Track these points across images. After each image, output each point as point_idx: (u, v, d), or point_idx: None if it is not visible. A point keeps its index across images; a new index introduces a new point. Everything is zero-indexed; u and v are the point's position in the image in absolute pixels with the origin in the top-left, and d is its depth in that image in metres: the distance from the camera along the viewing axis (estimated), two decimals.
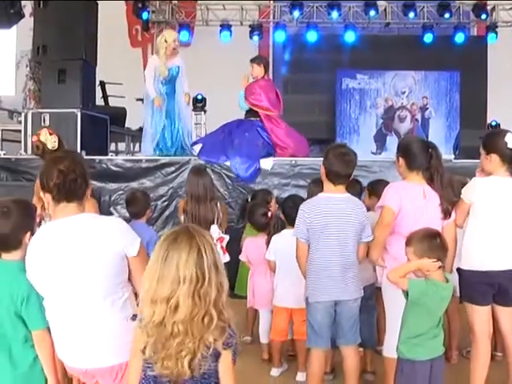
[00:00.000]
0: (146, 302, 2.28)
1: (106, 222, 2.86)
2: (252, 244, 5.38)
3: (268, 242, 5.11)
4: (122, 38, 15.11)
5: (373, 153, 13.87)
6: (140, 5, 13.50)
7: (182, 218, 5.57)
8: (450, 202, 4.14)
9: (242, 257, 5.48)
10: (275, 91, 8.45)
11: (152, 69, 8.40)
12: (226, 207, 5.89)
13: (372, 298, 4.72)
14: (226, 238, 5.38)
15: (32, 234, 2.99)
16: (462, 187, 4.37)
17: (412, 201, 4.06)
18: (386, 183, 4.61)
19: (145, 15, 13.84)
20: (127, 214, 5.73)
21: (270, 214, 5.36)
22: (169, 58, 8.42)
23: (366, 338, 4.64)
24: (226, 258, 5.26)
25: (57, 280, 2.74)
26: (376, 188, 5.03)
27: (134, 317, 2.44)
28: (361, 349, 5.12)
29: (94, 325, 2.72)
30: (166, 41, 8.33)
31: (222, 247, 5.25)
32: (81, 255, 2.69)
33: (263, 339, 5.30)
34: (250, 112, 8.27)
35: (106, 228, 2.77)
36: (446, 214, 4.11)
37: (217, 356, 2.30)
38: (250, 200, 6.50)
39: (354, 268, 4.14)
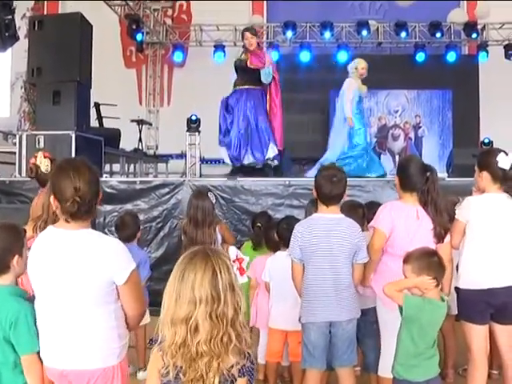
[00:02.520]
0: (166, 323, 2.29)
1: (103, 244, 2.82)
2: (258, 263, 5.37)
3: None
4: (116, 59, 15.20)
5: None
6: (134, 26, 13.56)
7: (183, 238, 5.58)
8: (444, 227, 4.16)
9: (250, 274, 5.46)
10: None
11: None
12: (226, 226, 5.89)
13: (377, 323, 4.64)
14: (246, 259, 5.36)
15: (21, 258, 3.01)
16: (455, 207, 4.41)
17: (405, 221, 4.09)
18: (379, 205, 4.66)
19: (139, 36, 13.91)
20: None
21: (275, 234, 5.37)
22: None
23: (370, 363, 4.64)
24: (244, 278, 5.24)
25: (48, 285, 2.78)
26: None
27: (151, 341, 2.42)
28: (357, 368, 5.15)
29: (76, 328, 2.75)
30: (356, 68, 9.63)
31: (240, 268, 5.24)
32: (71, 270, 2.72)
33: (260, 359, 5.29)
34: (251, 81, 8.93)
35: (100, 251, 2.76)
36: (439, 238, 4.14)
37: (232, 382, 2.31)
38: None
39: (349, 289, 4.13)
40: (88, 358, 2.77)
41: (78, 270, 2.72)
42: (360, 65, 9.67)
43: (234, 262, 5.08)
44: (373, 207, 4.98)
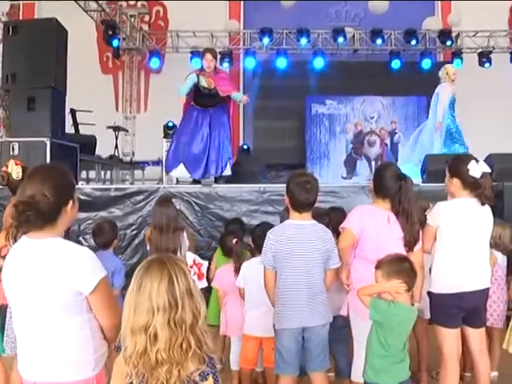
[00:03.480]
0: (127, 333, 2.29)
1: (68, 253, 2.72)
2: (223, 272, 5.39)
3: (236, 270, 5.14)
4: (92, 65, 15.12)
5: (343, 177, 14.02)
6: (110, 32, 13.46)
7: (148, 246, 5.58)
8: (414, 237, 4.21)
9: (213, 284, 5.47)
10: None
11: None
12: (192, 235, 5.89)
13: (346, 327, 4.63)
14: (205, 263, 5.37)
15: None
16: (425, 212, 4.46)
17: (375, 224, 4.14)
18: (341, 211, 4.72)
19: (115, 42, 13.82)
20: None
21: (235, 240, 5.37)
22: None
23: (342, 368, 4.66)
24: (203, 283, 5.25)
25: (19, 295, 2.74)
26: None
27: (117, 348, 2.43)
28: (331, 374, 5.17)
29: (46, 339, 2.70)
30: (447, 73, 10.20)
31: (198, 273, 5.24)
32: (37, 280, 2.66)
33: (233, 366, 5.29)
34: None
35: (64, 260, 2.68)
36: (410, 247, 4.19)
37: None
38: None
39: (322, 294, 4.15)
40: (60, 370, 2.71)
41: (43, 280, 2.66)
42: (450, 70, 10.35)
43: (191, 267, 5.08)
44: (335, 213, 5.06)
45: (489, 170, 4.30)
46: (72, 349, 2.70)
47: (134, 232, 7.86)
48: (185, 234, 5.53)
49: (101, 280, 2.70)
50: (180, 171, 8.57)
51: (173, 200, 5.68)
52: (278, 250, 4.11)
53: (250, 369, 5.01)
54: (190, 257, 5.25)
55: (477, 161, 4.30)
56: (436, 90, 10.28)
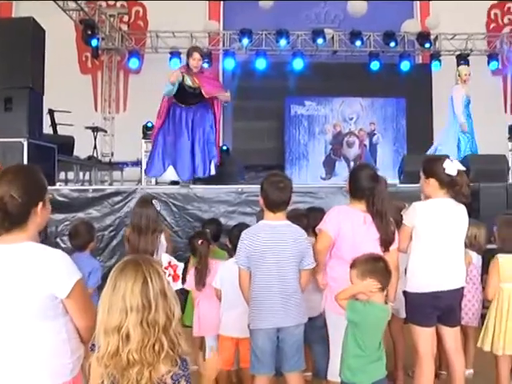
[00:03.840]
0: (100, 333, 2.29)
1: (42, 258, 2.67)
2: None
3: (198, 271, 5.18)
4: (71, 65, 14.99)
5: (322, 178, 14.06)
6: (89, 32, 13.39)
7: (126, 246, 5.56)
8: (389, 237, 4.24)
9: (186, 285, 5.46)
10: None
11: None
12: (171, 236, 5.87)
13: (325, 327, 4.60)
14: (180, 265, 5.35)
15: None
16: (400, 212, 4.50)
17: (352, 225, 4.16)
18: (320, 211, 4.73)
19: (94, 42, 13.73)
20: None
21: (200, 241, 5.37)
22: None
23: (321, 369, 4.67)
24: (178, 285, 5.24)
25: None
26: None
27: (93, 346, 2.41)
28: (308, 374, 5.20)
29: (22, 344, 2.64)
30: (459, 75, 10.44)
31: (173, 275, 5.22)
32: (10, 285, 2.61)
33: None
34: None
35: (38, 265, 2.63)
36: (386, 247, 4.21)
37: None
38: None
39: (296, 295, 4.16)
40: (37, 376, 2.66)
41: (17, 287, 2.61)
42: (462, 72, 10.58)
43: (166, 268, 5.06)
44: (313, 212, 5.08)
45: (463, 168, 4.35)
46: (48, 354, 2.66)
47: (112, 233, 7.82)
48: (163, 235, 5.53)
49: (76, 283, 2.67)
50: (169, 174, 8.55)
51: (153, 201, 5.63)
52: (252, 251, 4.12)
53: (227, 370, 4.99)
54: (166, 258, 5.23)
55: (450, 160, 4.35)
56: (450, 94, 10.51)
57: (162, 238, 5.50)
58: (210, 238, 5.56)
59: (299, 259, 4.16)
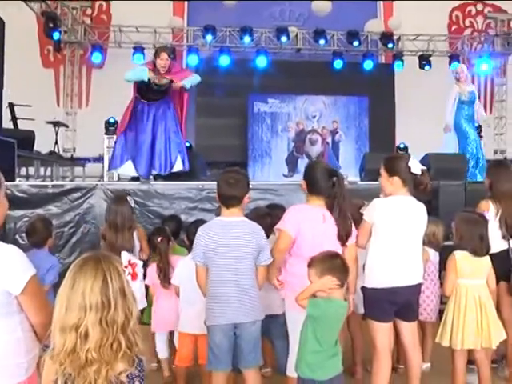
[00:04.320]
0: (57, 330, 2.26)
1: None
2: (152, 269, 5.36)
3: (160, 268, 5.18)
4: (33, 58, 14.78)
5: (285, 175, 14.13)
6: (51, 24, 13.15)
7: (101, 243, 5.51)
8: (347, 231, 4.24)
9: (146, 281, 5.44)
10: None
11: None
12: (144, 232, 5.80)
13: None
14: (139, 263, 5.32)
15: None
16: (359, 210, 4.54)
17: (311, 224, 4.15)
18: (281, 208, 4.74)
19: (56, 35, 13.50)
20: None
21: (159, 239, 5.36)
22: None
23: (282, 365, 4.68)
24: (136, 283, 5.20)
25: None
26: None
27: (45, 347, 2.39)
28: (267, 369, 5.22)
29: None
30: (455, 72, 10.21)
31: (131, 273, 5.18)
32: None
33: (162, 355, 5.32)
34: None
35: None
36: (343, 241, 4.22)
37: None
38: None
39: (252, 291, 4.15)
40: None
41: None
42: (456, 69, 10.42)
43: (125, 267, 5.03)
44: (274, 210, 5.10)
45: (425, 168, 4.41)
46: (2, 353, 2.62)
47: (72, 230, 7.65)
48: (135, 233, 5.49)
49: (30, 278, 2.63)
50: (126, 168, 8.49)
51: (128, 198, 5.58)
52: (207, 247, 4.10)
53: (185, 366, 4.99)
54: (125, 256, 5.21)
55: (413, 159, 4.41)
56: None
57: (135, 235, 5.47)
58: (170, 235, 5.55)
59: (255, 255, 4.14)
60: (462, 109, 9.95)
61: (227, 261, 4.08)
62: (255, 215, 4.86)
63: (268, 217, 5.06)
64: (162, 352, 5.33)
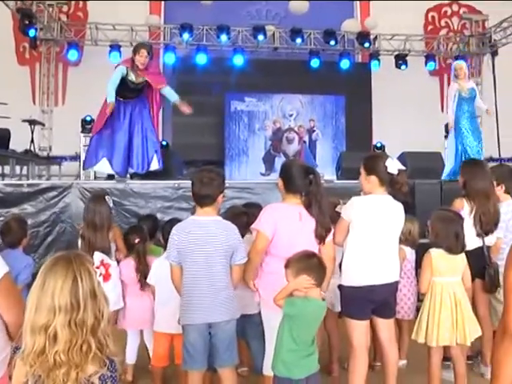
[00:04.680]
0: (27, 331, 2.23)
1: None
2: (123, 266, 5.35)
3: (137, 269, 5.17)
4: (8, 56, 14.60)
5: (262, 174, 14.16)
6: (27, 21, 12.96)
7: (79, 242, 5.48)
8: (326, 228, 4.22)
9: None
10: None
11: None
12: (120, 231, 5.74)
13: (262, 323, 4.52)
14: (113, 264, 5.30)
15: None
16: (335, 209, 4.56)
17: (287, 223, 4.14)
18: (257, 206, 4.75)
19: (31, 32, 13.30)
20: None
21: (136, 240, 5.35)
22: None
23: (258, 364, 4.68)
24: (109, 285, 5.17)
25: None
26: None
27: (16, 349, 2.36)
28: (244, 369, 5.22)
29: None
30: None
31: (104, 274, 5.15)
32: None
33: (129, 360, 5.28)
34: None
35: None
36: (321, 239, 4.20)
37: None
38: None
39: (227, 290, 4.14)
40: None
41: None
42: (455, 66, 10.10)
43: (97, 268, 5.00)
44: (251, 208, 5.10)
45: (403, 168, 4.44)
46: None
47: (48, 229, 7.61)
48: (110, 233, 5.45)
49: (3, 276, 2.60)
50: (102, 166, 8.43)
51: (106, 197, 5.54)
52: (181, 246, 4.09)
53: (162, 366, 4.97)
54: (98, 256, 5.18)
55: (391, 158, 4.44)
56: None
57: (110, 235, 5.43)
58: (147, 235, 5.54)
59: (229, 254, 4.13)
60: (461, 105, 9.85)
61: (201, 260, 4.07)
62: (231, 214, 4.86)
63: (244, 216, 5.04)
64: (131, 355, 5.31)
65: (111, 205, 5.47)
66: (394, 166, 4.37)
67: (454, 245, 4.59)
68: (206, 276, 4.07)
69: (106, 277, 5.13)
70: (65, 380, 2.20)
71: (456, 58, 15.05)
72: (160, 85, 8.41)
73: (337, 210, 4.68)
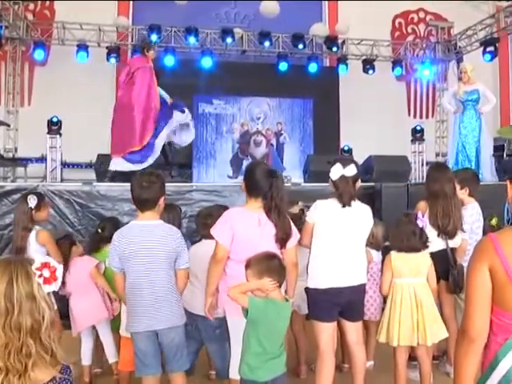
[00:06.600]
0: None
1: None
2: (75, 264, 5.33)
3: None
4: None
5: (229, 177, 14.15)
6: None
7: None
8: (286, 232, 4.16)
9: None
10: None
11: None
12: (48, 236, 5.62)
13: (220, 327, 4.53)
14: (59, 267, 5.25)
15: None
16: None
17: (245, 228, 4.07)
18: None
19: None
20: None
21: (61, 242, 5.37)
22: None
23: (217, 368, 4.67)
24: (51, 287, 5.12)
25: None
26: None
27: None
28: (213, 372, 5.22)
29: None
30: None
31: (47, 277, 5.10)
32: None
33: (85, 361, 5.27)
34: None
35: None
36: (282, 244, 4.14)
37: None
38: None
39: (169, 296, 4.08)
40: None
41: None
42: (460, 68, 10.45)
43: (38, 269, 4.97)
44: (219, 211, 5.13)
45: (350, 175, 4.39)
46: None
47: (12, 233, 7.48)
48: (33, 234, 5.38)
49: None
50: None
51: (28, 197, 5.48)
52: (122, 251, 4.03)
53: (129, 371, 4.90)
54: (39, 259, 5.13)
55: (342, 164, 4.42)
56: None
57: (32, 237, 5.37)
58: (75, 240, 5.59)
59: (173, 259, 4.08)
60: (462, 108, 10.08)
61: (141, 266, 4.02)
62: (199, 217, 4.85)
63: (211, 218, 5.04)
64: (86, 356, 5.29)
65: (33, 206, 5.39)
66: (336, 171, 4.38)
67: (413, 243, 4.67)
68: (147, 282, 4.02)
69: (50, 280, 5.07)
70: None
71: (423, 63, 15.35)
72: None
73: (291, 210, 4.69)
